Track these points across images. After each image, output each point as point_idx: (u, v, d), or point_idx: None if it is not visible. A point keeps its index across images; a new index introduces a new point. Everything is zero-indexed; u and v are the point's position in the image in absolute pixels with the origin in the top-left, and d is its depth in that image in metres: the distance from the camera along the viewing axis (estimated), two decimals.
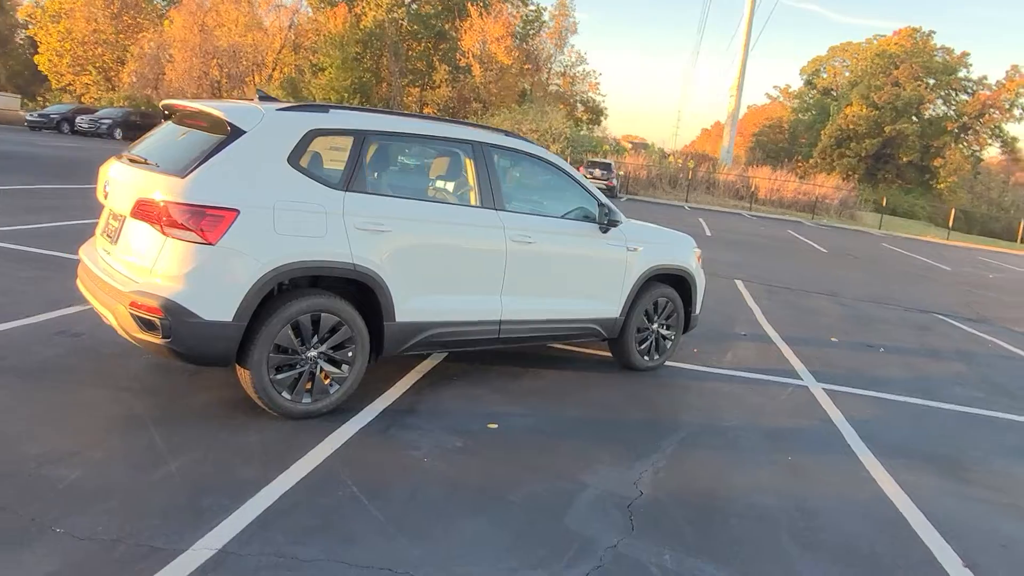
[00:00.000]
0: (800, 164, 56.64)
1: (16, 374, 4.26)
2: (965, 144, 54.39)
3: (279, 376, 3.98)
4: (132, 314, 3.70)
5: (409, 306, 4.35)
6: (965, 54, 52.28)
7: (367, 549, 2.95)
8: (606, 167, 30.61)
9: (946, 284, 15.73)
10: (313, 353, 4.06)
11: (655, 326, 5.82)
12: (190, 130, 4.21)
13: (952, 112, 52.98)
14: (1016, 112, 50.97)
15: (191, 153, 3.95)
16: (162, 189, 3.73)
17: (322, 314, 4.04)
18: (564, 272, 5.22)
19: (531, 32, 45.16)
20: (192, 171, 3.75)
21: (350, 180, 4.17)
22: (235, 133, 3.88)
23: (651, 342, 5.83)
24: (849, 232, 30.22)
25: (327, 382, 4.15)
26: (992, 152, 56.65)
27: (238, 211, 3.74)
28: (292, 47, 42.40)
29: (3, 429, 3.59)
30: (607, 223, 5.31)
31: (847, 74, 60.36)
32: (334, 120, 4.24)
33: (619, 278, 5.51)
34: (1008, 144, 53.86)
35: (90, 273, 4.18)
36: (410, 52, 41.20)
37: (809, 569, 3.19)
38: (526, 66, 42.08)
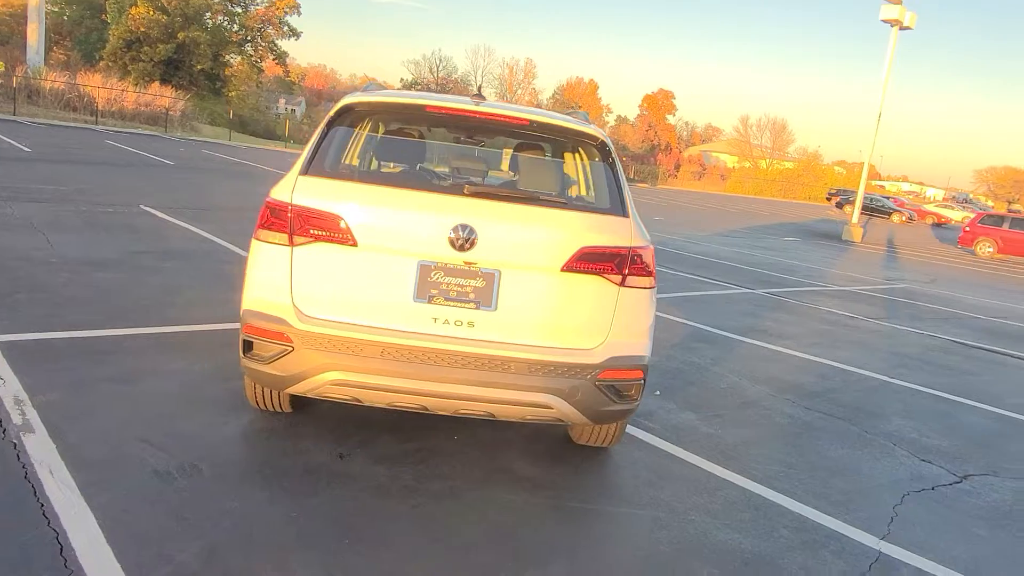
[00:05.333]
0: (85, 67, 51.70)
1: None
2: (248, 55, 58.74)
3: None
4: (607, 386, 3.10)
5: None
6: None
7: None
8: None
9: None
10: None
11: None
12: (527, 148, 3.26)
13: (235, 25, 56.10)
14: (285, 29, 57.53)
15: (581, 181, 3.25)
16: (618, 234, 3.12)
17: None
18: None
19: None
20: (626, 207, 3.22)
21: None
22: (609, 154, 3.38)
23: None
24: (224, 146, 30.47)
25: None
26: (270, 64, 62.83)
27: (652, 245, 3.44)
28: None
29: None
30: None
31: None
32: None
33: None
34: (280, 57, 60.59)
35: (438, 356, 2.96)
36: None
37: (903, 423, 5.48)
38: None
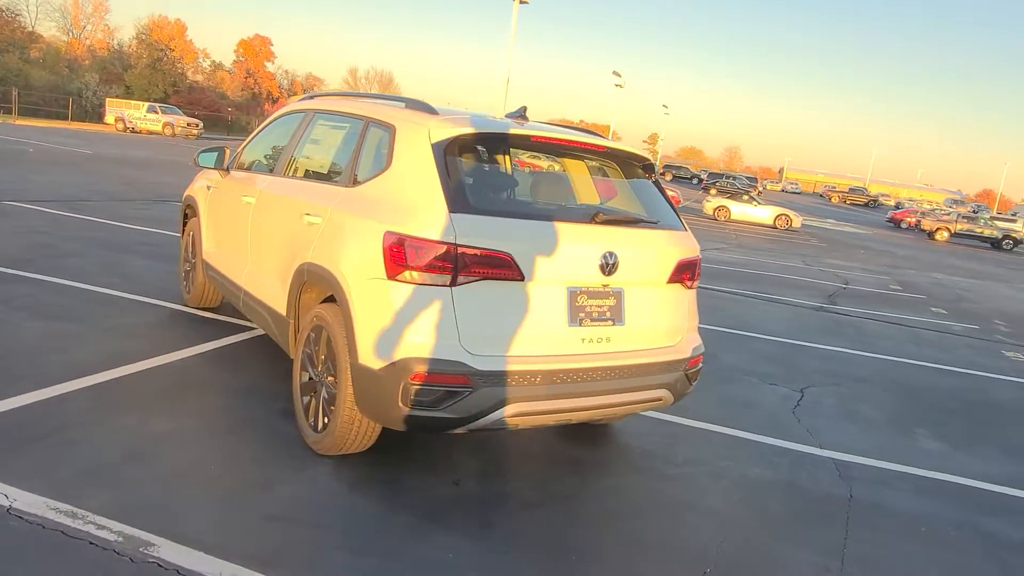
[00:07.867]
0: None
1: None
2: None
3: None
4: (690, 373, 3.70)
5: None
6: None
7: None
8: None
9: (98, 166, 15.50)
10: None
11: None
12: (593, 170, 3.55)
13: None
14: None
15: (643, 200, 3.68)
16: (691, 245, 3.70)
17: None
18: None
19: None
20: (682, 220, 3.77)
21: None
22: (655, 172, 3.88)
23: None
24: None
25: None
26: None
27: None
28: None
29: None
30: None
31: None
32: None
33: None
34: None
35: (591, 373, 3.24)
36: None
37: None
38: None
